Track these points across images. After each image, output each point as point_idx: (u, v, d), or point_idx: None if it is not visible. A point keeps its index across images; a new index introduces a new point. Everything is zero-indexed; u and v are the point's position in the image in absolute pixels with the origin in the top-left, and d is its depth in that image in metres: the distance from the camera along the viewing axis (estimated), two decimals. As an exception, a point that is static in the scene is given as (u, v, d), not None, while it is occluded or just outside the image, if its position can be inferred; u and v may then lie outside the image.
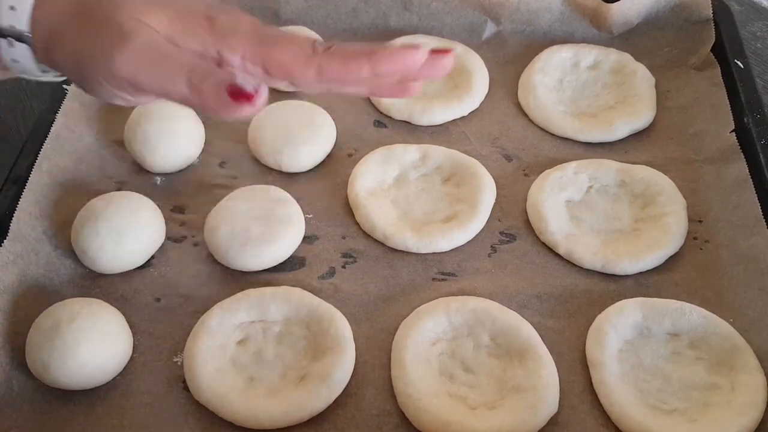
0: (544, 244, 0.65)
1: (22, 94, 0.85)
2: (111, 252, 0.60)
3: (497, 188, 0.68)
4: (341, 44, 0.43)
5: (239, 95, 0.39)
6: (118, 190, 0.67)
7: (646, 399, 0.55)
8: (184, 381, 0.55)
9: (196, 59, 0.42)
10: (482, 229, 0.65)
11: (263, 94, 0.40)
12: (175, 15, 0.42)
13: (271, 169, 0.70)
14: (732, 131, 0.69)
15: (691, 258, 0.64)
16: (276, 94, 0.76)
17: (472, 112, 0.76)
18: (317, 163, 0.70)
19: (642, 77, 0.77)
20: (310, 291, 0.60)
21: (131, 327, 0.57)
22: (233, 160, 0.71)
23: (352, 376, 0.55)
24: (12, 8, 0.42)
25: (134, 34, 0.41)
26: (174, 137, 0.67)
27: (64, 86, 0.70)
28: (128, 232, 0.60)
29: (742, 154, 0.67)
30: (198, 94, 0.40)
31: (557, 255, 0.64)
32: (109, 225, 0.60)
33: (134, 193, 0.64)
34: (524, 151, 0.72)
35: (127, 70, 0.41)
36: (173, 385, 0.55)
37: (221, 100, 0.40)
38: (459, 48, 0.80)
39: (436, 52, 0.42)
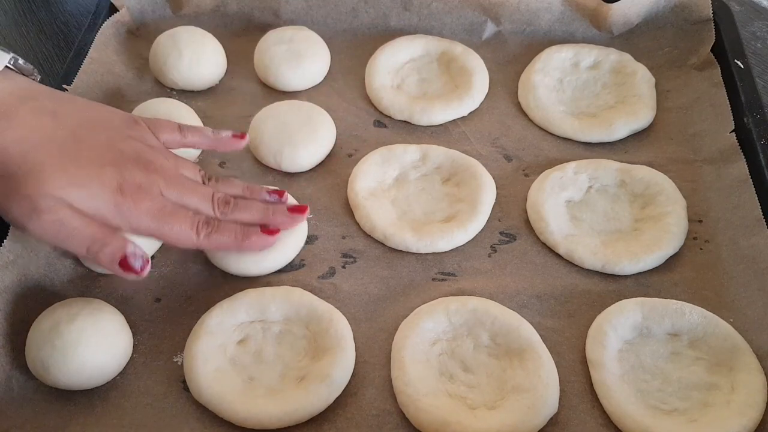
0: (544, 244, 0.65)
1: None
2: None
3: (497, 188, 0.68)
4: (234, 205, 0.58)
5: (128, 268, 0.53)
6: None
7: (646, 399, 0.55)
8: (184, 381, 0.55)
9: (99, 230, 0.52)
10: (482, 229, 0.65)
11: (148, 268, 0.53)
12: (90, 195, 0.52)
13: (271, 169, 0.70)
14: (732, 131, 0.69)
15: (691, 258, 0.64)
16: (275, 95, 0.76)
17: (472, 112, 0.76)
18: (317, 163, 0.70)
19: (642, 77, 0.77)
20: (310, 291, 0.60)
21: (131, 327, 0.57)
22: (233, 160, 0.71)
23: (352, 376, 0.55)
24: None
25: (47, 212, 0.50)
26: None
27: (64, 86, 0.70)
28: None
29: (742, 154, 0.67)
30: (95, 259, 0.52)
31: (557, 255, 0.64)
32: None
33: None
34: (524, 151, 0.73)
35: (36, 235, 0.52)
36: (173, 385, 0.55)
37: (113, 269, 0.53)
38: (459, 48, 0.80)
39: (293, 210, 0.61)
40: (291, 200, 0.64)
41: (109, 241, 0.52)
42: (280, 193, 0.62)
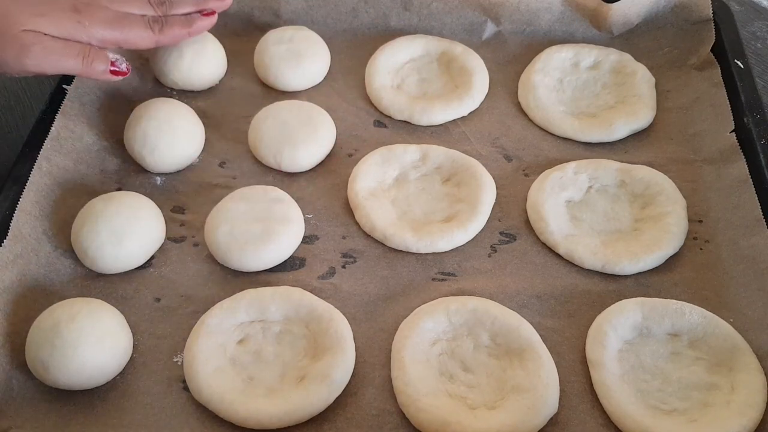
0: (544, 244, 0.65)
1: (22, 93, 0.84)
2: (111, 252, 0.60)
3: (497, 188, 0.68)
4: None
5: (117, 73, 0.64)
6: (118, 189, 0.67)
7: (646, 399, 0.55)
8: (184, 381, 0.55)
9: (80, 46, 0.61)
10: (482, 229, 0.65)
11: (130, 68, 0.66)
12: (54, 20, 0.60)
13: (271, 169, 0.70)
14: (732, 131, 0.69)
15: (691, 258, 0.64)
16: (275, 95, 0.76)
17: (472, 112, 0.76)
18: (317, 163, 0.70)
19: (642, 77, 0.77)
20: (310, 291, 0.60)
21: (131, 327, 0.58)
22: (233, 160, 0.71)
23: (351, 376, 0.55)
24: None
25: (33, 44, 0.58)
26: (174, 137, 0.67)
27: (64, 86, 0.70)
28: (128, 232, 0.60)
29: (742, 154, 0.67)
30: (89, 73, 0.62)
31: (557, 255, 0.64)
32: (110, 225, 0.60)
33: (134, 193, 0.64)
34: (524, 151, 0.73)
35: (35, 69, 0.60)
36: (173, 385, 0.55)
37: (106, 77, 0.64)
38: (459, 48, 0.80)
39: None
40: None
41: (94, 54, 0.62)
42: None
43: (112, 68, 0.63)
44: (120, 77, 0.64)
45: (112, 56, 0.64)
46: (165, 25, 0.67)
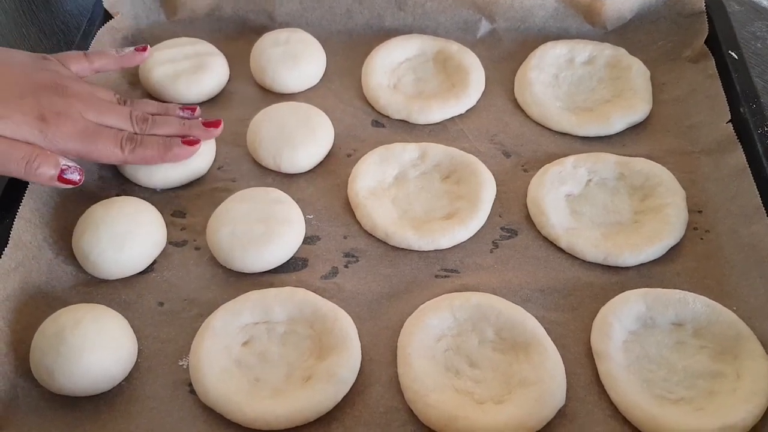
0: (545, 238, 0.65)
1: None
2: (113, 257, 0.60)
3: (497, 184, 0.68)
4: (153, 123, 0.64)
5: (66, 181, 0.58)
6: (118, 195, 0.67)
7: (652, 389, 0.55)
8: (190, 384, 0.55)
9: (30, 148, 0.57)
10: (483, 226, 0.66)
11: (83, 176, 0.59)
12: (13, 125, 0.56)
13: (271, 171, 0.70)
14: (728, 122, 0.70)
15: (692, 248, 0.64)
16: (273, 97, 0.76)
17: (470, 109, 0.76)
18: (316, 164, 0.70)
19: (637, 71, 0.77)
20: (313, 291, 0.60)
21: (135, 332, 0.57)
22: (232, 163, 0.71)
23: (358, 374, 0.55)
24: None
25: None
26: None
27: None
28: (129, 237, 0.60)
29: (739, 143, 0.68)
30: (33, 179, 0.57)
31: (559, 249, 0.64)
32: (111, 231, 0.60)
33: (135, 198, 0.64)
34: (523, 147, 0.73)
35: None
36: (179, 389, 0.55)
37: (53, 184, 0.58)
38: (454, 47, 0.80)
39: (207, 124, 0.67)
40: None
41: (43, 159, 0.57)
42: (192, 109, 0.68)
43: (61, 175, 0.58)
44: (68, 186, 0.59)
45: (64, 163, 0.58)
46: (139, 145, 0.62)
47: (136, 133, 0.63)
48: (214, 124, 0.67)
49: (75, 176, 0.59)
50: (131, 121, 0.63)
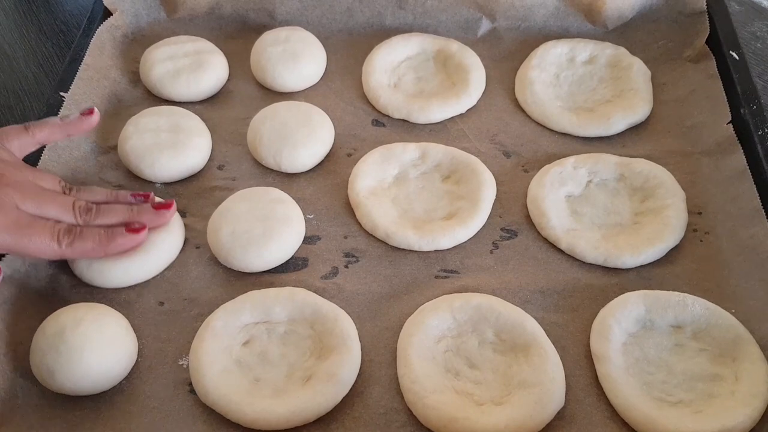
0: (545, 239, 0.65)
1: (21, 93, 0.84)
2: (111, 270, 0.60)
3: (497, 185, 0.68)
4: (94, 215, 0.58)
5: None
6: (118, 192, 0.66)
7: (651, 391, 0.55)
8: (190, 384, 0.55)
9: None
10: (483, 226, 0.66)
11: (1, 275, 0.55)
12: None
13: (271, 170, 0.70)
14: (729, 122, 0.70)
15: (692, 250, 0.64)
16: (273, 96, 0.76)
17: (470, 109, 0.76)
18: (317, 164, 0.70)
19: (638, 71, 0.77)
20: (313, 291, 0.60)
21: (135, 331, 0.57)
22: (232, 162, 0.71)
23: (358, 375, 0.55)
24: None
25: None
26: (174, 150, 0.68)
27: (61, 93, 0.69)
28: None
29: (739, 145, 0.67)
30: None
31: (559, 250, 0.64)
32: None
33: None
34: (523, 147, 0.73)
35: None
36: (179, 388, 0.55)
37: None
38: (455, 46, 0.80)
39: (159, 206, 0.61)
40: (157, 201, 0.63)
41: None
42: (146, 196, 0.62)
43: None
44: None
45: None
46: (78, 237, 0.56)
47: (77, 225, 0.57)
48: (165, 206, 0.61)
49: (6, 269, 0.56)
50: (74, 211, 0.58)
